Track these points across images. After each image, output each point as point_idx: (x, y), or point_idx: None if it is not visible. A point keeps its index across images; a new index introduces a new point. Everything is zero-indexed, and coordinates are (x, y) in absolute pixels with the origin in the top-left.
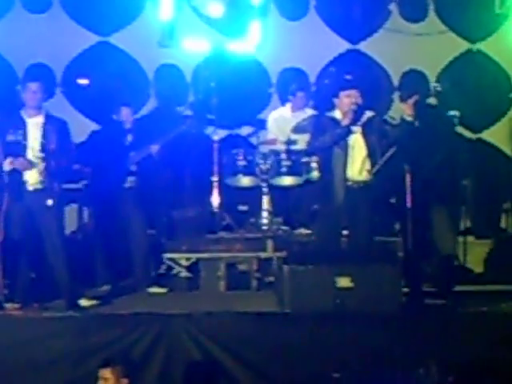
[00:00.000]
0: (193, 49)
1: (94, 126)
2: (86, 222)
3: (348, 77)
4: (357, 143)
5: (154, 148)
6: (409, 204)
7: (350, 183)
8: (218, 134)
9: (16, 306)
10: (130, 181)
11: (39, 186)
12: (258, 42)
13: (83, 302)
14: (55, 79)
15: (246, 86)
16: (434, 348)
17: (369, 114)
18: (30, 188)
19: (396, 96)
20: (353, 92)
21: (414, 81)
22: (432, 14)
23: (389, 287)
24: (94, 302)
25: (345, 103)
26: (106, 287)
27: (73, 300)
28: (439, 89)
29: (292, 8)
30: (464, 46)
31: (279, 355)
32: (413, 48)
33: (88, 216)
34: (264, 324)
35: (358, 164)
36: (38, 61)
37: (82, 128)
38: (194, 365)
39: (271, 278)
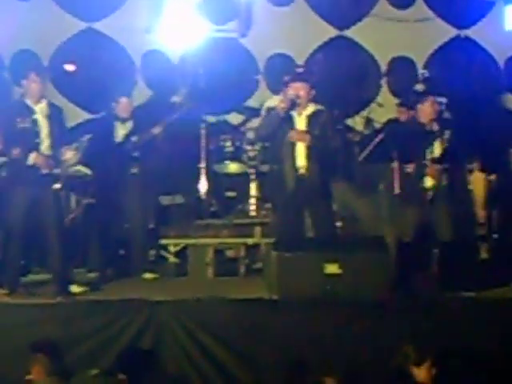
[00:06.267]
0: (180, 35)
1: (80, 112)
2: (74, 209)
3: (299, 69)
4: (300, 139)
5: (157, 129)
6: (396, 190)
7: (300, 171)
8: (205, 121)
9: (4, 291)
10: (132, 167)
11: (48, 171)
12: (245, 29)
13: (74, 288)
14: (42, 66)
15: (233, 73)
16: (421, 335)
17: (317, 107)
18: (42, 172)
19: (384, 82)
20: (299, 85)
21: (401, 67)
22: (419, 1)
23: (377, 274)
24: (84, 288)
25: (288, 93)
26: (96, 273)
27: (64, 286)
28: (427, 75)
29: None
30: (452, 32)
31: (267, 341)
32: (400, 34)
33: (78, 202)
34: (252, 310)
35: (302, 154)
36: (24, 47)
37: (68, 114)
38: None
39: (259, 265)
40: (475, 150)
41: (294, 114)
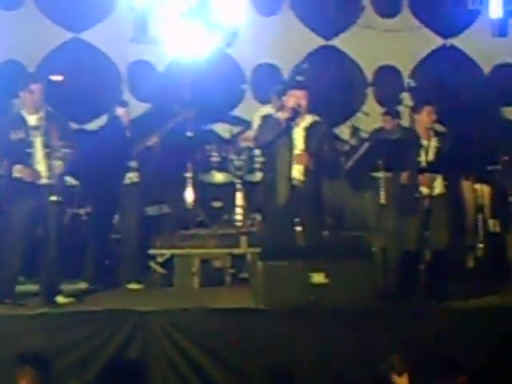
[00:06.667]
0: (166, 45)
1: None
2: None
3: (299, 78)
4: (298, 144)
5: (153, 140)
6: (383, 201)
7: (294, 182)
8: (191, 131)
9: None
10: (129, 177)
11: (46, 181)
12: (232, 38)
13: (60, 299)
14: (27, 76)
15: (220, 82)
16: (408, 343)
17: (314, 118)
18: (41, 182)
19: (370, 91)
20: (299, 93)
21: (387, 76)
22: (405, 10)
23: (364, 283)
24: (70, 299)
25: (289, 102)
26: (85, 284)
27: (51, 297)
28: (413, 84)
29: (266, 4)
30: (438, 41)
31: (253, 351)
32: (386, 44)
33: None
34: (238, 320)
35: (299, 167)
36: (10, 58)
37: None
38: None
39: (245, 274)
40: (464, 159)
41: (292, 124)
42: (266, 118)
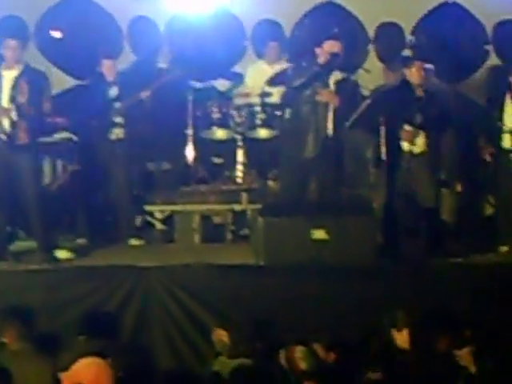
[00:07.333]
0: (166, 1)
1: (68, 79)
2: (60, 175)
3: (336, 29)
4: (329, 99)
5: (145, 94)
6: (383, 156)
7: (324, 133)
8: (192, 87)
9: None
10: (115, 133)
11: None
12: None
13: (60, 254)
14: (28, 31)
15: (221, 39)
16: (408, 299)
17: (342, 74)
18: (3, 137)
19: (371, 48)
20: (334, 43)
21: (389, 33)
22: None
23: (364, 239)
24: (70, 254)
25: (326, 50)
26: (83, 239)
27: (49, 252)
28: (414, 41)
29: None
30: None
31: (254, 307)
32: (388, 0)
33: (64, 169)
34: (239, 276)
35: (330, 119)
36: (10, 13)
37: (55, 80)
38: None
39: (246, 231)
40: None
41: (330, 69)
42: (299, 66)
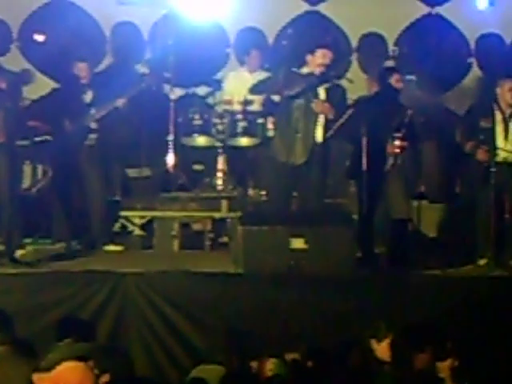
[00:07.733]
0: (150, 6)
1: (50, 82)
2: (40, 179)
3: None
4: (323, 111)
5: (120, 101)
6: (364, 167)
7: (313, 141)
8: (174, 93)
9: None
10: (90, 138)
11: None
12: (217, 1)
13: (21, 256)
14: (11, 34)
15: (204, 45)
16: (385, 310)
17: (333, 81)
18: None
19: (354, 58)
20: (328, 52)
21: (372, 43)
22: None
23: (342, 249)
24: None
25: (318, 59)
26: (61, 244)
27: (11, 254)
28: (398, 52)
29: None
30: (424, 9)
31: (232, 315)
32: (372, 10)
33: (42, 173)
34: (217, 284)
35: (319, 127)
36: None
37: (37, 84)
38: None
39: (225, 239)
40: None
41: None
42: (289, 73)
